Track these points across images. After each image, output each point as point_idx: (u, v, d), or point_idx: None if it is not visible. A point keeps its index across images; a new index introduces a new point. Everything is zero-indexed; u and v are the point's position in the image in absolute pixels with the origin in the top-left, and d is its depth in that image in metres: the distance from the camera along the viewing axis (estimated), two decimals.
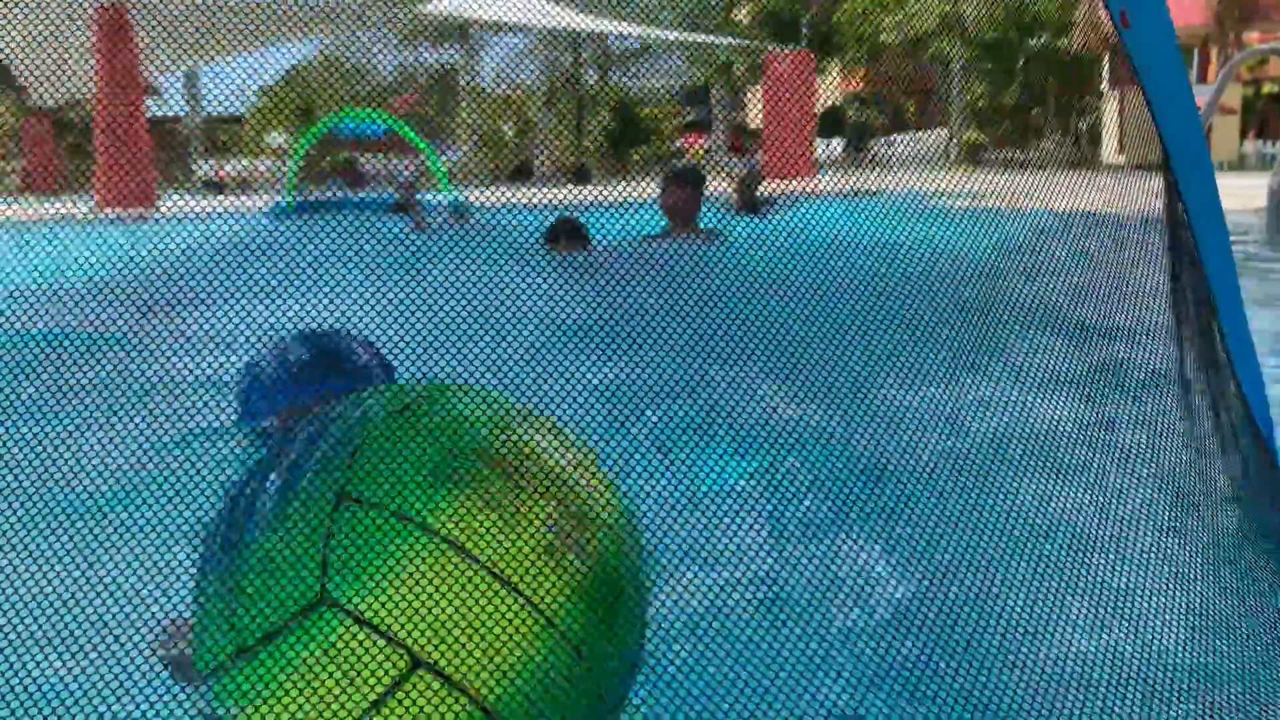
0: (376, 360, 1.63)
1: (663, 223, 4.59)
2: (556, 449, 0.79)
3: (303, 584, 0.69)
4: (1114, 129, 20.60)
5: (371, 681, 0.66)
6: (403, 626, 0.66)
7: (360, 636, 0.67)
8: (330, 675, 0.67)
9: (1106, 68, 19.24)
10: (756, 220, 6.02)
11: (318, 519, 0.70)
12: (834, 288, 1.94)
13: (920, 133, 25.49)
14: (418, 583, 0.67)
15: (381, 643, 0.66)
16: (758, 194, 6.35)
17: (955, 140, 23.70)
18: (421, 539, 0.69)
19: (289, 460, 0.80)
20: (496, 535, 0.69)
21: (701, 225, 4.68)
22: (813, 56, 19.75)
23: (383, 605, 0.67)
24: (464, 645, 0.65)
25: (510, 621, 0.67)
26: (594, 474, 0.79)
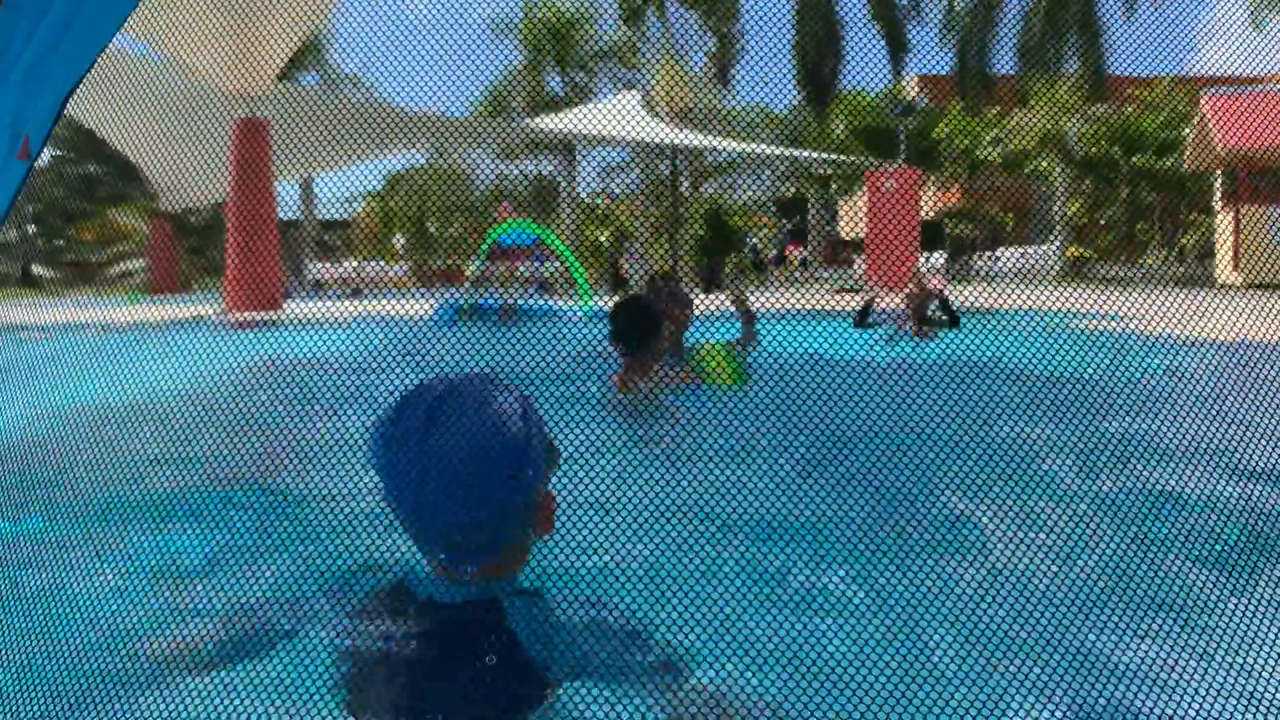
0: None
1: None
2: None
3: None
4: (1227, 247, 20.05)
5: None
6: None
7: None
8: None
9: (1219, 185, 18.75)
10: (957, 333, 5.63)
11: None
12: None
13: (1025, 248, 25.16)
14: None
15: None
16: (946, 308, 5.90)
17: (1060, 255, 23.35)
18: None
19: None
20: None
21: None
22: (918, 173, 19.68)
23: None
24: None
25: None
26: None
